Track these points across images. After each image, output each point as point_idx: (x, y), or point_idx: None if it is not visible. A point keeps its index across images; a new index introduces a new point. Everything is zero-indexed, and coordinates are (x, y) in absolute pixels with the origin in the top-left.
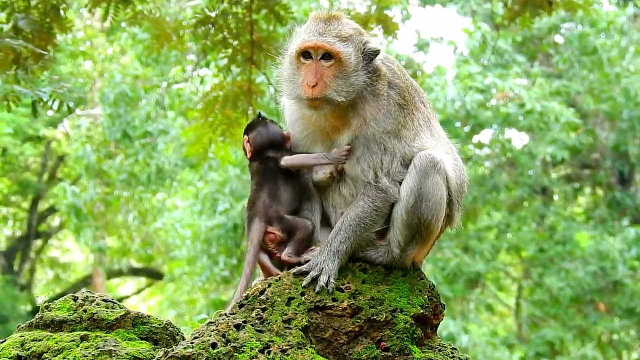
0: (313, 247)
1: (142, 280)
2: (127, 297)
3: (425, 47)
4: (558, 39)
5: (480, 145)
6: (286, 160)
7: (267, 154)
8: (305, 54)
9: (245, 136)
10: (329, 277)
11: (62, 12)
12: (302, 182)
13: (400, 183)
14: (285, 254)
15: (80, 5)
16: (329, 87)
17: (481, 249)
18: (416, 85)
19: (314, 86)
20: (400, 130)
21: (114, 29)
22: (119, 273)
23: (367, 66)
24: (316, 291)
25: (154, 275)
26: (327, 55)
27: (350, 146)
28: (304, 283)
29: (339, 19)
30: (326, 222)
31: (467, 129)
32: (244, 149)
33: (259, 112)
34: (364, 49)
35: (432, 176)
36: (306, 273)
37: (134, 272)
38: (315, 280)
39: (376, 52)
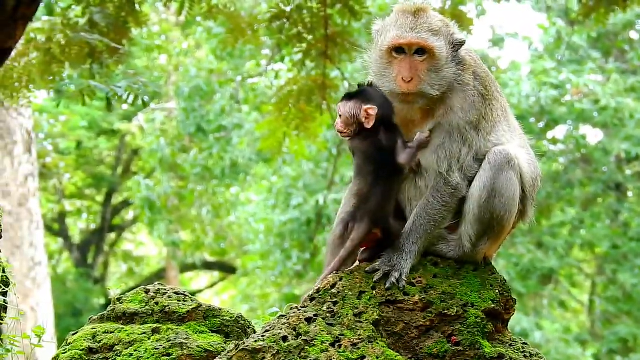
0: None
1: (216, 274)
2: (200, 291)
3: (500, 42)
4: (633, 35)
5: (554, 141)
6: (410, 161)
7: (380, 134)
8: (398, 49)
9: (365, 106)
10: (400, 275)
11: (137, 6)
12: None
13: (470, 179)
14: (361, 258)
15: (156, 0)
16: (424, 82)
17: (555, 245)
18: (492, 76)
19: (409, 81)
20: (480, 121)
21: (189, 23)
22: (193, 267)
23: (455, 58)
24: (387, 287)
25: (227, 269)
26: (421, 50)
27: (430, 132)
28: (375, 278)
29: (427, 11)
30: (400, 214)
31: (541, 124)
32: (355, 122)
33: (367, 82)
34: (452, 40)
35: (506, 172)
36: (378, 270)
37: (208, 266)
38: (387, 275)
39: (462, 43)
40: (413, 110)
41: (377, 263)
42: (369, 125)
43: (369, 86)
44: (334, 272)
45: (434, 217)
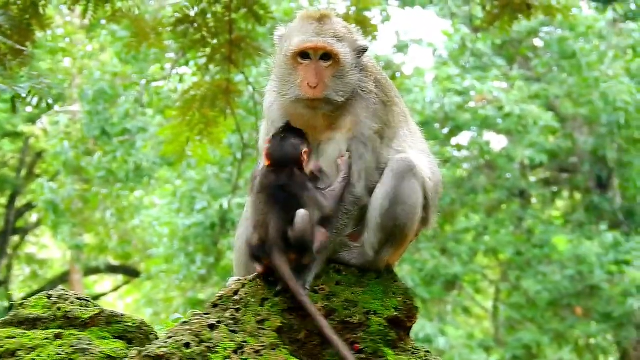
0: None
1: (120, 278)
2: (104, 294)
3: (405, 48)
4: (537, 42)
5: (458, 148)
6: (329, 203)
7: (282, 170)
8: (303, 54)
9: (266, 145)
10: (304, 283)
11: (41, 8)
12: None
13: (371, 187)
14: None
15: (60, 2)
16: (329, 88)
17: (459, 251)
18: (389, 79)
19: (315, 87)
20: (384, 129)
21: (93, 26)
22: (96, 270)
23: (358, 64)
24: (290, 296)
25: (131, 273)
26: (326, 56)
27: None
28: (278, 287)
29: (331, 17)
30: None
31: (445, 131)
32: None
33: (287, 121)
34: (355, 47)
35: (408, 180)
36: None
37: (112, 269)
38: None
39: (365, 49)
40: (317, 117)
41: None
42: (264, 162)
43: (284, 127)
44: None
45: (337, 227)
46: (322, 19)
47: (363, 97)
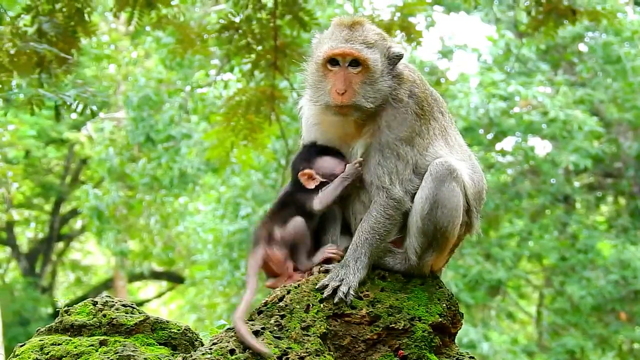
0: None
1: (164, 284)
2: (148, 300)
3: (449, 54)
4: (582, 47)
5: (503, 153)
6: (319, 205)
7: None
8: (332, 60)
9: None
10: (348, 289)
11: (86, 15)
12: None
13: (412, 192)
14: (299, 275)
15: (105, 9)
16: (358, 94)
17: (503, 257)
18: (436, 94)
19: (343, 93)
20: (414, 138)
21: (138, 32)
22: (141, 276)
23: (391, 71)
24: (335, 302)
25: (176, 279)
26: (355, 62)
27: (362, 158)
28: (324, 294)
29: (363, 24)
30: (347, 229)
31: (490, 136)
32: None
33: (314, 142)
34: (388, 54)
35: (448, 183)
36: (327, 285)
37: (156, 275)
38: (335, 291)
39: (400, 57)
40: (347, 123)
41: (326, 279)
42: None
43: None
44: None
45: (379, 231)
46: (353, 25)
47: (392, 106)
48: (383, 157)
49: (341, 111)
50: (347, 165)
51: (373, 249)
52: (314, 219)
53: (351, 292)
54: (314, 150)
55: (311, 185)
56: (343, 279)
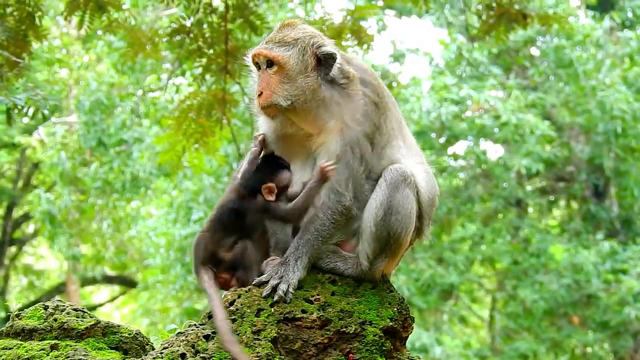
0: (273, 257)
1: (116, 288)
2: (101, 305)
3: (401, 58)
4: (534, 51)
5: (455, 157)
6: (291, 214)
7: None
8: (255, 64)
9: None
10: (288, 287)
11: (37, 19)
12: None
13: (361, 198)
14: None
15: (57, 13)
16: (275, 94)
17: (455, 261)
18: (384, 85)
19: (260, 94)
20: (374, 134)
21: (90, 36)
22: (93, 281)
23: (323, 68)
24: (275, 300)
25: (128, 283)
26: (270, 62)
27: (331, 161)
28: (264, 293)
29: (293, 25)
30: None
31: (442, 140)
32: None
33: (271, 153)
34: (316, 51)
35: (402, 190)
36: (266, 282)
37: (108, 280)
38: (275, 289)
39: (329, 55)
40: (288, 124)
41: (265, 275)
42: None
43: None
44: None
45: (322, 233)
46: (281, 28)
47: (347, 99)
48: (353, 157)
49: (266, 113)
50: (316, 169)
51: (313, 249)
52: (259, 238)
53: (290, 290)
54: (266, 163)
55: (271, 197)
56: (282, 277)
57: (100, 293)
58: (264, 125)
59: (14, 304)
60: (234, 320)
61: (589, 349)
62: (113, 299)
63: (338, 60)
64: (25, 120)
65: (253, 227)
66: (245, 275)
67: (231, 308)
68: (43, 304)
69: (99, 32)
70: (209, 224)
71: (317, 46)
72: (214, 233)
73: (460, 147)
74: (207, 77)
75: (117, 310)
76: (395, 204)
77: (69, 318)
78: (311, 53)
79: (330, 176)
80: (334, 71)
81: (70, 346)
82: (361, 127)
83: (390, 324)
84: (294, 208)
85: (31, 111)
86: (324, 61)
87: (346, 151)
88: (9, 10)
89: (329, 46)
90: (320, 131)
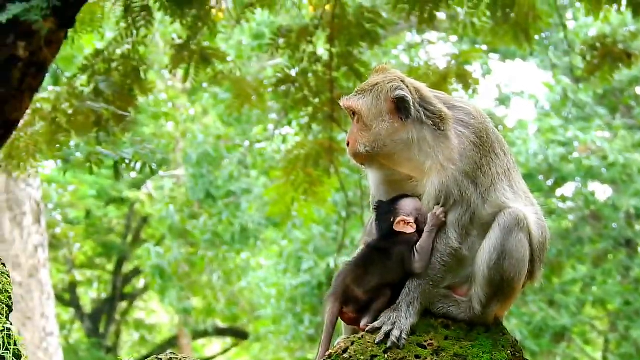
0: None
1: (228, 341)
2: (213, 357)
3: (507, 101)
4: (639, 90)
5: (563, 199)
6: (421, 266)
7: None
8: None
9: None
10: (401, 333)
11: (142, 73)
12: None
13: (467, 242)
14: (363, 324)
15: (162, 67)
16: (357, 142)
17: (567, 303)
18: (498, 134)
19: (348, 144)
20: (477, 174)
21: (195, 89)
22: (205, 333)
23: (401, 112)
24: (388, 346)
25: (240, 335)
26: (352, 112)
27: (443, 208)
28: (377, 339)
29: (380, 71)
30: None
31: (550, 182)
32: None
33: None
34: (391, 95)
35: (515, 234)
36: (379, 329)
37: (220, 332)
38: (387, 335)
39: (399, 98)
40: (380, 171)
41: (377, 322)
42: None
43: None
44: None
45: (433, 277)
46: (371, 75)
47: (441, 140)
48: (449, 198)
49: (357, 162)
50: (429, 215)
51: (425, 294)
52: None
53: (403, 335)
54: (390, 200)
55: (410, 230)
56: (395, 323)
57: (212, 346)
58: (370, 174)
59: (128, 359)
60: None
61: None
62: (225, 351)
63: (427, 102)
64: (133, 174)
65: (394, 272)
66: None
67: (344, 355)
68: (157, 357)
69: (205, 85)
70: (354, 258)
71: (392, 89)
72: (356, 267)
73: (568, 189)
74: (314, 126)
75: None
76: (509, 249)
77: None
78: (385, 97)
79: (443, 220)
80: (418, 112)
81: None
82: (457, 165)
83: None
84: (418, 259)
85: (139, 165)
86: (400, 105)
87: (443, 195)
88: (114, 65)
89: (402, 90)
90: (420, 174)
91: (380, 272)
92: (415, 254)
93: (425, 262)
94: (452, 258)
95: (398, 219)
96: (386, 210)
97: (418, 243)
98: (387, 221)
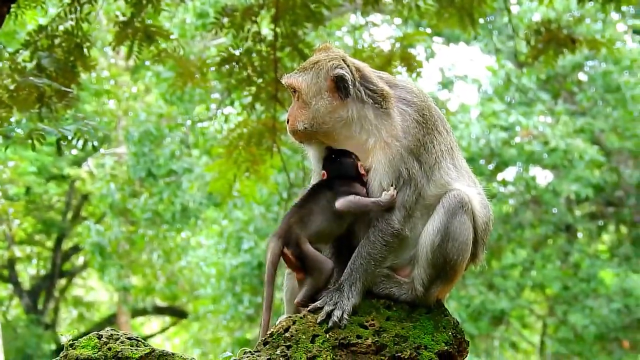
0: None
1: (167, 319)
2: (151, 335)
3: (450, 85)
4: (582, 76)
5: (504, 183)
6: (342, 203)
7: (334, 182)
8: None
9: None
10: (342, 313)
11: (85, 50)
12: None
13: (410, 219)
14: (297, 300)
15: (105, 44)
16: (296, 120)
17: (506, 287)
18: (440, 112)
19: (288, 122)
20: (421, 151)
21: (138, 67)
22: (144, 312)
23: (340, 90)
24: (329, 326)
25: (179, 313)
26: (293, 90)
27: (396, 190)
28: (318, 319)
29: (323, 50)
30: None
31: (491, 166)
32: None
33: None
34: (332, 74)
35: (459, 216)
36: (321, 308)
37: (159, 310)
38: (330, 315)
39: (338, 76)
40: (320, 148)
41: (319, 301)
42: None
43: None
44: (268, 306)
45: (375, 257)
46: (314, 53)
47: (383, 117)
48: (395, 176)
49: (296, 139)
50: (384, 193)
51: (367, 274)
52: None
53: (345, 316)
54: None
55: (365, 176)
56: (337, 303)
57: (151, 324)
58: (310, 151)
59: (65, 336)
60: (288, 347)
61: None
62: (164, 330)
63: (368, 81)
64: (74, 151)
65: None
66: (313, 278)
67: (286, 334)
68: (97, 333)
69: (147, 63)
70: (300, 199)
71: (332, 68)
72: (300, 208)
73: (509, 173)
74: (257, 105)
75: (168, 341)
76: (452, 231)
77: (123, 347)
78: (325, 76)
79: (391, 204)
80: (358, 91)
81: None
82: (401, 142)
83: (446, 348)
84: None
85: (80, 143)
86: (340, 83)
87: (389, 171)
88: (57, 41)
89: (343, 68)
90: (362, 152)
91: (323, 213)
92: (349, 197)
93: (347, 207)
94: (394, 238)
95: (360, 163)
96: (348, 155)
97: (359, 195)
98: (351, 165)
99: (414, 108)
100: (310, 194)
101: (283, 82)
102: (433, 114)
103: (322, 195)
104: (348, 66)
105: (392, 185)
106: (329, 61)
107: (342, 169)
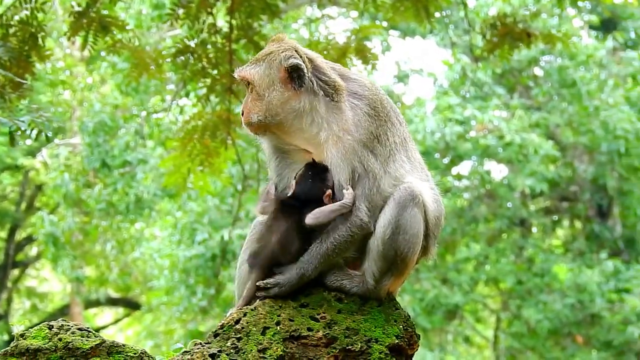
0: None
1: (120, 311)
2: (105, 327)
3: (405, 78)
4: (537, 71)
5: (459, 177)
6: (312, 219)
7: (300, 198)
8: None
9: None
10: (286, 285)
11: (40, 40)
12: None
13: (373, 211)
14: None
15: (60, 34)
16: (251, 112)
17: (459, 281)
18: (393, 104)
19: (242, 114)
20: (374, 144)
21: (93, 58)
22: (97, 303)
23: (294, 81)
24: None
25: (132, 305)
26: (247, 82)
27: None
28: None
29: (276, 41)
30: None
31: (446, 160)
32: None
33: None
34: (285, 64)
35: (410, 209)
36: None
37: (112, 302)
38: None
39: (292, 66)
40: (276, 140)
41: (272, 280)
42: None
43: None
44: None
45: (339, 245)
46: (269, 43)
47: (334, 110)
48: (366, 174)
49: (251, 132)
50: (347, 193)
51: (326, 260)
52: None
53: (285, 288)
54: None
55: (328, 202)
56: (278, 282)
57: (104, 315)
58: (264, 144)
59: (17, 327)
60: (239, 339)
61: None
62: (117, 321)
63: (320, 72)
64: (29, 142)
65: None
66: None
67: (237, 326)
68: (48, 324)
69: (103, 53)
70: (269, 219)
71: (285, 58)
72: (274, 233)
73: (464, 167)
74: (212, 97)
75: (121, 333)
76: (403, 224)
77: (73, 338)
78: (278, 66)
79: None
80: (311, 82)
81: None
82: (353, 135)
83: (396, 341)
84: (315, 214)
85: (34, 133)
86: (294, 73)
87: (350, 165)
88: (12, 30)
89: (295, 59)
90: (314, 147)
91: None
92: (315, 211)
93: (318, 221)
94: (360, 230)
95: (328, 192)
96: (322, 178)
97: (325, 206)
98: (319, 190)
99: (364, 102)
100: (278, 213)
101: (236, 76)
102: (385, 106)
103: (291, 213)
104: (301, 57)
105: (348, 182)
106: (282, 52)
107: (310, 193)
